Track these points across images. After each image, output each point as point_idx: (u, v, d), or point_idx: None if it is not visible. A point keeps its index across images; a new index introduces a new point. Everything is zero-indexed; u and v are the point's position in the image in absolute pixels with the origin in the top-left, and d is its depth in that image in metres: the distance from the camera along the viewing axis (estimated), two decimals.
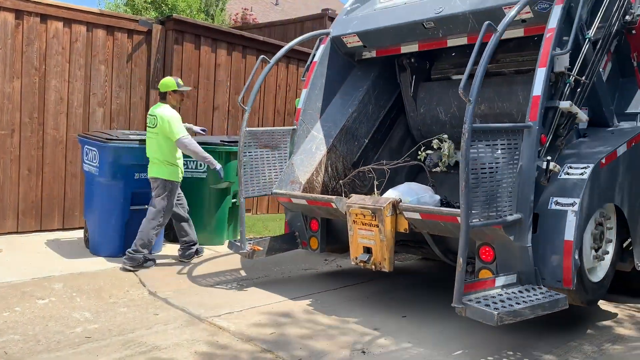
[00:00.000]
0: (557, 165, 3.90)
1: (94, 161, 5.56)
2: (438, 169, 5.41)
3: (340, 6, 28.84)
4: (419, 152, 5.46)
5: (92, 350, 3.51)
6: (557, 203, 3.84)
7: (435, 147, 5.40)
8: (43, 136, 6.40)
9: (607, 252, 4.27)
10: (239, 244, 5.09)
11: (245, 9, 20.31)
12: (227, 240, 6.46)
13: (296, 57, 8.86)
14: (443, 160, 5.35)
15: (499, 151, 3.66)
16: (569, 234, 3.73)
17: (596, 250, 4.16)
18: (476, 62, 3.47)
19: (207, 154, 5.51)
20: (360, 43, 5.51)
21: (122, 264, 5.22)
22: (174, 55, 7.23)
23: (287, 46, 5.45)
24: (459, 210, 3.64)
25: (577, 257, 3.77)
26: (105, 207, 5.55)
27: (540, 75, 3.82)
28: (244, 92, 5.19)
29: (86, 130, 6.54)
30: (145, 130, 5.65)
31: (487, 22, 3.51)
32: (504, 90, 5.27)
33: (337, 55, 5.68)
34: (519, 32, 4.51)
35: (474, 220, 3.50)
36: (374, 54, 5.67)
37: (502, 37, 3.83)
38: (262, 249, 5.13)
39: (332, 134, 5.51)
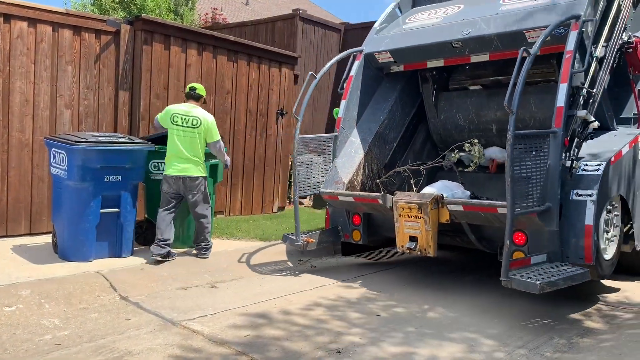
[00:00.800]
0: (578, 163, 4.70)
1: (62, 164, 5.43)
2: (470, 168, 6.18)
3: (311, 6, 28.87)
4: (452, 154, 6.17)
5: (62, 358, 3.44)
6: (577, 194, 4.64)
7: (467, 149, 6.12)
8: (8, 139, 6.23)
9: (615, 235, 5.08)
10: (293, 237, 5.76)
11: (214, 9, 20.12)
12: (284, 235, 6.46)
13: (267, 57, 8.83)
14: (474, 161, 6.10)
15: (533, 152, 4.43)
16: (589, 219, 4.54)
17: (607, 233, 4.94)
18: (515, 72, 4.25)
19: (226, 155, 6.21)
20: (392, 59, 6.32)
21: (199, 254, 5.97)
22: (143, 55, 7.13)
23: (330, 62, 6.19)
24: (498, 202, 4.62)
25: (595, 238, 4.57)
26: (74, 210, 5.43)
27: (563, 89, 4.61)
28: (297, 105, 5.97)
29: (53, 133, 6.38)
30: (112, 132, 5.54)
31: (523, 48, 4.35)
32: (519, 99, 5.87)
33: (369, 69, 6.47)
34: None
35: (517, 209, 4.22)
36: (401, 68, 6.46)
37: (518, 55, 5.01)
38: (314, 241, 5.79)
39: (367, 139, 6.25)
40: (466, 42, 5.64)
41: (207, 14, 19.70)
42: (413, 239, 5.06)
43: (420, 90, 6.83)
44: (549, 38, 4.85)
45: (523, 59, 4.33)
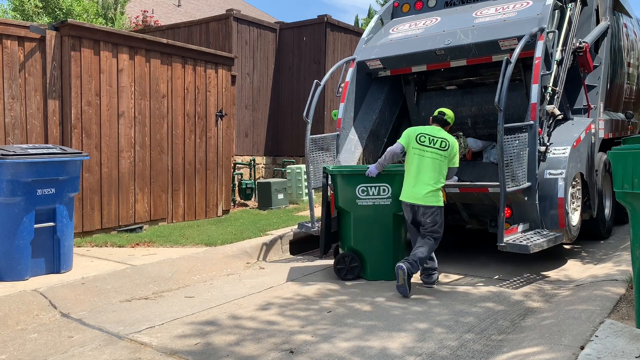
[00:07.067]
0: (549, 148, 5.64)
1: None
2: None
3: (245, 6, 28.56)
4: None
5: None
6: (550, 173, 5.64)
7: None
8: None
9: (579, 206, 6.14)
10: (309, 224, 6.49)
11: (145, 12, 19.61)
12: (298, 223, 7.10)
13: (203, 58, 8.68)
14: (461, 151, 6.89)
15: (516, 142, 5.33)
16: (561, 193, 5.57)
17: (573, 204, 5.93)
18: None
19: None
20: (381, 65, 7.19)
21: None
22: (71, 62, 6.85)
23: (330, 70, 6.97)
24: (489, 183, 5.59)
25: (566, 208, 5.59)
26: (6, 228, 5.16)
27: (535, 89, 5.59)
28: (306, 111, 6.66)
29: None
30: (43, 143, 5.27)
31: (505, 58, 5.33)
32: (489, 96, 6.91)
33: (360, 75, 7.32)
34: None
35: (508, 188, 5.16)
36: (388, 73, 7.34)
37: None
38: None
39: (364, 136, 7.17)
40: (448, 51, 6.56)
41: (137, 17, 19.18)
42: None
43: (403, 91, 7.77)
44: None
45: (506, 65, 5.20)
